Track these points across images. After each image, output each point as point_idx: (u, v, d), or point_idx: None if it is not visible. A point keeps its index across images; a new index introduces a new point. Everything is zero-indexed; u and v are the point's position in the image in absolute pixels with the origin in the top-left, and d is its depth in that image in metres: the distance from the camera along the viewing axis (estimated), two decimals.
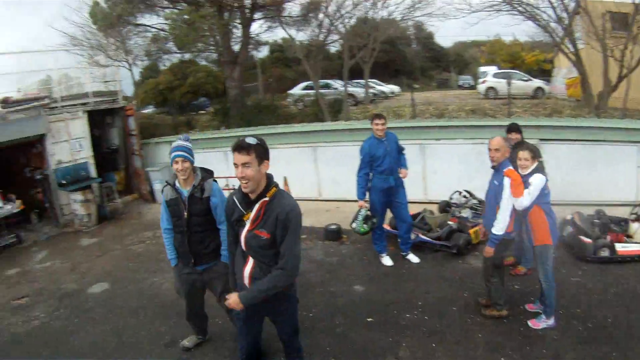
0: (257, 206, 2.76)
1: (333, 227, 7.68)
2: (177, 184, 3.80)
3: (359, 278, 6.02)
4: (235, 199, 2.86)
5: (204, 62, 22.77)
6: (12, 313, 6.53)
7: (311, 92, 19.61)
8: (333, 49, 22.67)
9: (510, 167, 4.18)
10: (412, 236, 6.46)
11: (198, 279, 4.01)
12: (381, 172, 5.81)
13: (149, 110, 24.29)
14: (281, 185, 2.99)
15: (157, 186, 11.42)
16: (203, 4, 14.70)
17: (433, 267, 6.21)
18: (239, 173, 2.64)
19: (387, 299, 5.38)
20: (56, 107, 10.67)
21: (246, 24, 16.16)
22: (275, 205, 2.75)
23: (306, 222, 8.79)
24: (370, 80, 22.90)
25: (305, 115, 17.01)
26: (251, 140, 2.66)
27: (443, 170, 9.04)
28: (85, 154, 11.13)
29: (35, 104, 10.19)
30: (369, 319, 4.94)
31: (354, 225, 6.00)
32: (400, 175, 6.02)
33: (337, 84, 22.04)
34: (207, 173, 3.92)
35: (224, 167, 10.82)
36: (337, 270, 6.39)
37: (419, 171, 9.05)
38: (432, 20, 21.89)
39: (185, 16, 14.02)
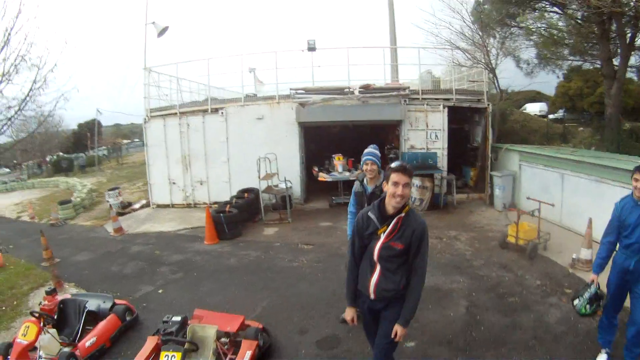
0: (394, 220, 3.11)
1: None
2: (365, 181, 4.69)
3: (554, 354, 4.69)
4: (371, 215, 3.19)
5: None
6: (289, 252, 8.28)
7: None
8: None
9: None
10: None
11: None
12: (627, 245, 4.18)
13: (557, 114, 23.39)
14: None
15: (497, 192, 10.57)
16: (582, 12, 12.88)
17: None
18: (399, 191, 3.00)
19: None
20: (417, 98, 11.17)
21: (622, 34, 13.32)
22: (410, 221, 3.11)
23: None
24: None
25: None
26: (409, 166, 3.08)
27: None
28: (439, 145, 11.42)
29: (394, 93, 10.99)
30: None
31: (575, 302, 4.95)
32: None
33: None
34: None
35: (557, 189, 9.11)
36: (552, 336, 5.07)
37: None
38: None
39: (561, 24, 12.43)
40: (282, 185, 11.11)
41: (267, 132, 11.76)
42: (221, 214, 9.37)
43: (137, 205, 13.69)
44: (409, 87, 11.24)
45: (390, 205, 3.09)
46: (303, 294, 6.28)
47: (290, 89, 11.63)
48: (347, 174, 11.14)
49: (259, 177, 10.29)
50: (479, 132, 12.01)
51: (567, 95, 20.11)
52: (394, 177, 3.00)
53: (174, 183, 12.61)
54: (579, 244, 7.17)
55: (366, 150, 4.68)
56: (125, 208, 13.65)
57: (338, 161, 11.37)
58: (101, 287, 6.94)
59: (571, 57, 14.31)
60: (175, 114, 12.29)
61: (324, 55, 12.26)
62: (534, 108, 25.77)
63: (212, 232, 9.19)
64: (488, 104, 11.23)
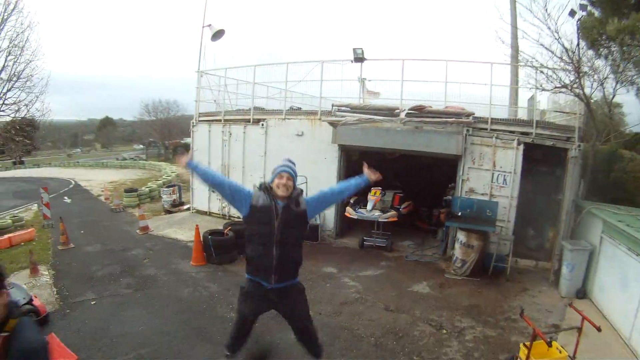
0: None
1: None
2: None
3: None
4: None
5: None
6: None
7: None
8: None
9: None
10: None
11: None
12: None
13: None
14: None
15: (564, 270, 7.47)
16: None
17: None
18: None
19: None
20: (484, 129, 8.87)
21: None
22: (14, 342, 2.12)
23: None
24: None
25: None
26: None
27: None
28: (507, 192, 8.93)
29: (451, 119, 8.85)
30: None
31: None
32: None
33: None
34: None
35: (638, 289, 5.75)
36: None
37: None
38: None
39: None
40: None
41: (305, 151, 10.64)
42: (210, 237, 8.64)
43: (185, 207, 13.90)
44: (473, 114, 8.92)
45: None
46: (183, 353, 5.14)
47: (333, 105, 10.30)
48: (377, 213, 9.39)
49: None
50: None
51: None
52: None
53: (212, 191, 12.37)
54: None
55: (281, 163, 3.83)
56: (174, 207, 13.98)
57: (372, 197, 9.67)
58: (67, 282, 7.51)
59: None
60: (220, 120, 11.98)
61: (378, 68, 10.48)
62: None
63: (198, 254, 8.65)
64: (579, 145, 8.23)
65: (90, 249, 9.63)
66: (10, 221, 11.37)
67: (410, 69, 9.41)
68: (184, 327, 5.84)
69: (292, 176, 3.73)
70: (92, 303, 6.67)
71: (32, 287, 7.22)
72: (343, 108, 10.13)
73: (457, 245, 8.43)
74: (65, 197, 17.17)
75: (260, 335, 4.98)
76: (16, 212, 13.60)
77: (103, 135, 63.44)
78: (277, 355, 4.96)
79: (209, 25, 11.73)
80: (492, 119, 8.93)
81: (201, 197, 12.67)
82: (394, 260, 9.15)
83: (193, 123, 12.52)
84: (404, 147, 9.40)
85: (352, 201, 10.26)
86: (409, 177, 12.52)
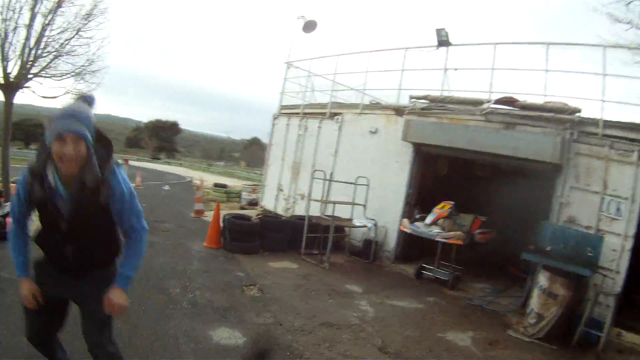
0: None
1: None
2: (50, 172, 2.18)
3: None
4: None
5: None
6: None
7: None
8: None
9: None
10: None
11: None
12: None
13: None
14: None
15: None
16: None
17: None
18: None
19: None
20: (594, 133, 6.71)
21: None
22: None
23: None
24: None
25: None
26: None
27: None
28: (620, 228, 6.40)
29: (548, 115, 6.90)
30: None
31: None
32: None
33: None
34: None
35: None
36: None
37: None
38: None
39: None
40: (357, 223, 8.78)
41: (377, 151, 9.52)
42: (227, 218, 8.06)
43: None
44: (579, 110, 6.77)
45: None
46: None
47: (411, 97, 9.10)
48: (436, 230, 7.59)
49: (308, 198, 8.53)
50: None
51: None
52: None
53: (281, 190, 11.96)
54: None
55: (66, 109, 2.12)
56: (250, 205, 14.07)
57: (437, 209, 7.91)
58: None
59: None
60: (299, 114, 11.64)
61: (464, 54, 8.97)
62: None
63: (212, 234, 8.16)
64: None
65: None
66: None
67: (502, 56, 7.77)
68: None
69: (85, 137, 2.11)
70: None
71: None
72: (421, 101, 8.88)
73: (535, 292, 6.10)
74: (166, 186, 18.85)
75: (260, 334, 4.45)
76: None
77: (248, 155, 69.67)
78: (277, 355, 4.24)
79: (302, 16, 11.69)
80: (604, 121, 6.65)
81: (270, 196, 12.37)
82: (448, 299, 7.10)
83: (275, 116, 12.45)
84: (485, 148, 7.58)
85: (417, 216, 8.69)
86: (512, 209, 10.23)
